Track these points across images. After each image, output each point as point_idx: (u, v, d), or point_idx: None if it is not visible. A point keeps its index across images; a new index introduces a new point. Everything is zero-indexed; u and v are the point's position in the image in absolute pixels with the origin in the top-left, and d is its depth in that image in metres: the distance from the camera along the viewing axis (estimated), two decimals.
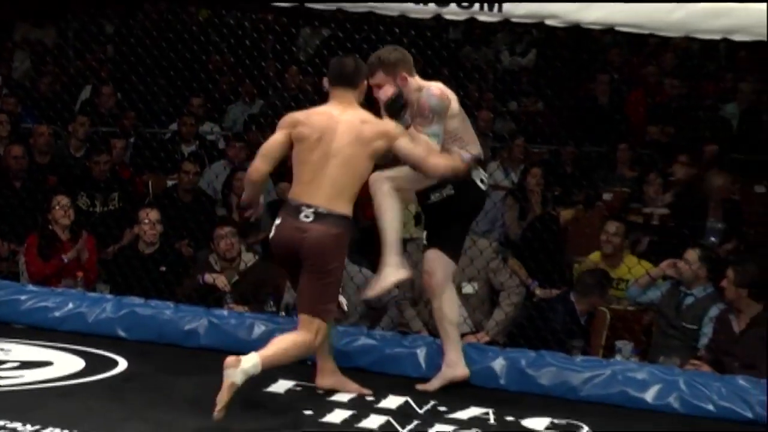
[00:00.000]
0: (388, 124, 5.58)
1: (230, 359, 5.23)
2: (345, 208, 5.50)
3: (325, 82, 5.76)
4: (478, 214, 6.33)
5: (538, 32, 12.63)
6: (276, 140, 5.64)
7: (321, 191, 5.47)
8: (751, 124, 11.19)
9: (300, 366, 5.98)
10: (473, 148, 6.05)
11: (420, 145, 5.64)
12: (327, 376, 5.94)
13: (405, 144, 5.57)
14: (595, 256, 8.05)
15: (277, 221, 5.60)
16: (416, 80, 5.88)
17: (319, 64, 11.40)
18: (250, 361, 5.25)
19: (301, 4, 6.61)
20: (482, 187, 6.11)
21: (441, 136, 5.82)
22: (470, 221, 6.23)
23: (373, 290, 5.95)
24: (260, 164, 5.69)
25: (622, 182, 10.38)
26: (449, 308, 6.06)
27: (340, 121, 5.53)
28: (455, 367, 6.09)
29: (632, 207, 9.61)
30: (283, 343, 5.45)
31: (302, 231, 5.45)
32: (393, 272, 5.87)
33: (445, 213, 5.98)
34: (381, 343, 6.52)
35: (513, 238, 9.18)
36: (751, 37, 5.93)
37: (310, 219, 5.44)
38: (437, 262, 5.99)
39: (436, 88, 5.88)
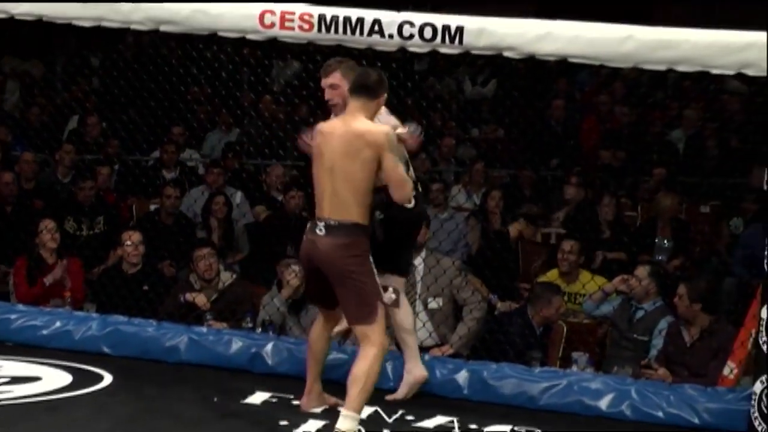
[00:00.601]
0: (379, 135, 5.35)
1: None
2: (355, 216, 5.35)
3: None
4: (419, 230, 6.25)
5: (496, 65, 12.67)
6: (312, 147, 5.58)
7: (329, 205, 5.38)
8: (696, 149, 11.27)
9: (275, 379, 5.97)
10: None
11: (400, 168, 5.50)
12: (313, 399, 5.83)
13: (391, 160, 5.37)
14: (552, 273, 8.06)
15: (304, 238, 5.52)
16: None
17: (291, 95, 11.45)
18: (345, 424, 5.17)
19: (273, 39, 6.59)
20: (409, 206, 5.89)
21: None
22: (410, 238, 6.07)
23: (398, 394, 6.00)
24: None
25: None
26: (402, 318, 6.03)
27: (336, 136, 5.40)
28: (414, 370, 6.08)
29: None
30: (354, 378, 5.27)
31: (315, 245, 5.39)
32: (406, 385, 6.03)
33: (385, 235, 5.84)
34: (351, 357, 6.49)
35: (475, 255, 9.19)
36: (694, 68, 5.98)
37: (323, 233, 5.36)
38: (387, 282, 5.93)
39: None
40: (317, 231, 5.38)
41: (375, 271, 5.43)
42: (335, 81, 5.76)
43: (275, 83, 12.56)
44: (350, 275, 5.34)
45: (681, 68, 5.99)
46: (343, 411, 5.21)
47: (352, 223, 5.35)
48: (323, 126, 5.55)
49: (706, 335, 6.67)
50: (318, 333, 5.77)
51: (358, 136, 5.35)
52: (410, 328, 6.13)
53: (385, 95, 5.60)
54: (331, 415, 5.73)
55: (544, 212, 10.07)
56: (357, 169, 5.34)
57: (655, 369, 6.56)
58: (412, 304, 7.11)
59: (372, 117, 5.51)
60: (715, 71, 5.93)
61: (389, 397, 6.04)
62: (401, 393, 6.09)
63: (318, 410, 5.80)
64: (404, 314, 6.05)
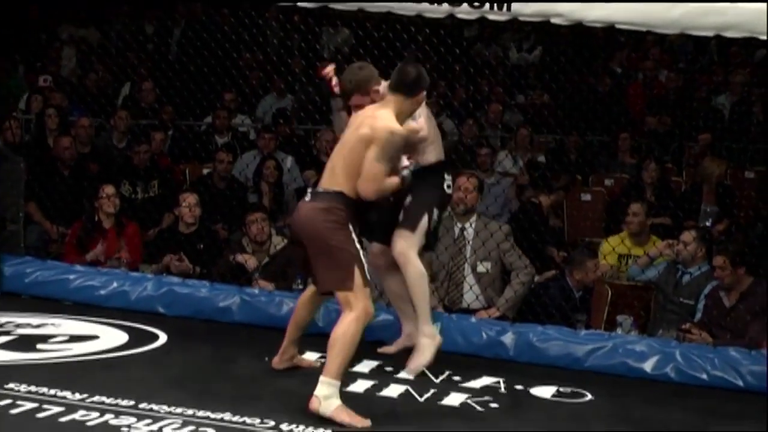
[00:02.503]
0: (381, 129, 5.25)
1: (313, 406, 5.00)
2: (340, 185, 5.25)
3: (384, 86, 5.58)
4: (442, 211, 6.16)
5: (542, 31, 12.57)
6: None
7: (325, 175, 5.36)
8: (742, 114, 11.14)
9: (324, 339, 5.99)
10: (435, 149, 5.95)
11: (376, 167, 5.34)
12: (285, 360, 5.81)
13: (369, 156, 5.24)
14: (622, 235, 7.90)
15: None
16: (384, 87, 5.68)
17: (341, 61, 11.42)
18: (322, 390, 5.02)
19: (325, 5, 6.54)
20: (447, 191, 6.07)
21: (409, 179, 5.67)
22: (431, 211, 5.95)
23: (412, 366, 5.85)
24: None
25: (622, 169, 10.35)
26: (393, 285, 6.02)
27: (357, 118, 5.42)
28: (413, 335, 5.98)
29: None
30: (333, 343, 5.10)
31: (298, 210, 5.35)
32: (429, 344, 5.83)
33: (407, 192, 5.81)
34: (398, 318, 6.51)
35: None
36: (742, 34, 5.89)
37: (308, 199, 5.32)
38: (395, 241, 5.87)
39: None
40: (305, 198, 5.35)
41: (354, 238, 5.25)
42: (357, 102, 5.67)
43: (325, 50, 12.53)
44: (325, 239, 5.18)
45: (728, 34, 5.90)
46: (321, 377, 5.07)
47: (335, 191, 5.25)
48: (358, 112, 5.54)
49: (746, 298, 6.63)
50: (305, 300, 5.74)
51: (369, 117, 5.33)
52: (403, 295, 5.98)
53: (424, 93, 5.51)
54: (377, 375, 5.77)
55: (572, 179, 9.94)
56: (359, 147, 5.25)
57: (693, 332, 6.52)
58: (461, 268, 7.13)
59: (406, 113, 5.44)
60: (762, 37, 5.84)
61: (381, 349, 6.10)
62: (392, 349, 6.13)
63: (359, 365, 5.85)
64: (396, 282, 5.97)
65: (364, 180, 5.23)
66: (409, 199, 5.84)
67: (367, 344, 6.12)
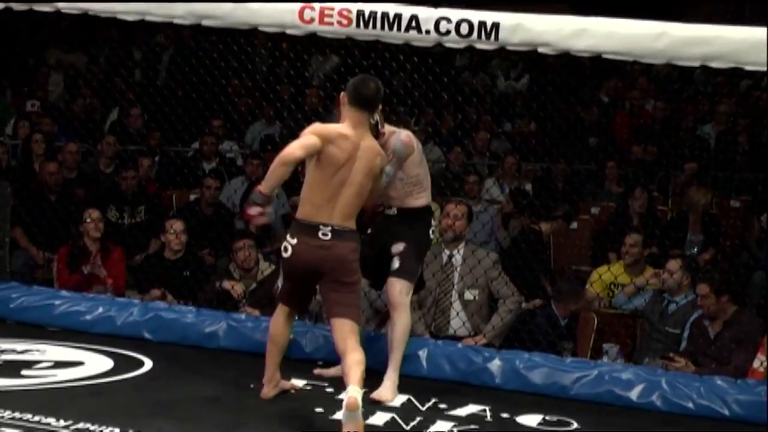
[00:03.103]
0: (384, 160, 5.61)
1: (351, 403, 5.03)
2: (353, 223, 5.50)
3: (342, 97, 5.58)
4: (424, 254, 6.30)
5: (529, 60, 12.61)
6: (314, 142, 5.40)
7: (335, 212, 5.40)
8: (728, 144, 11.19)
9: (311, 365, 5.98)
10: (426, 195, 6.10)
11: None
12: (273, 388, 5.80)
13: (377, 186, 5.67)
14: (617, 267, 7.96)
15: (292, 241, 5.44)
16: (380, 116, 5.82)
17: (329, 88, 11.44)
18: (358, 392, 5.10)
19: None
20: (431, 237, 6.22)
21: (391, 178, 5.86)
22: (424, 257, 6.23)
23: (375, 395, 5.84)
24: (299, 152, 5.38)
25: (609, 197, 10.38)
26: (401, 333, 6.00)
27: (360, 149, 5.44)
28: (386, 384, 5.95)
29: None
30: (355, 363, 5.26)
31: (325, 248, 5.38)
32: (389, 392, 5.86)
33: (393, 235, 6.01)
34: (387, 346, 6.50)
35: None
36: (727, 65, 5.93)
37: (329, 237, 5.38)
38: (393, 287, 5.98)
39: (406, 135, 5.89)
40: (321, 236, 5.39)
41: None
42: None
43: (314, 77, 12.56)
44: (352, 278, 5.48)
45: (714, 65, 5.94)
46: (353, 387, 5.11)
47: (353, 231, 5.50)
48: (330, 131, 5.49)
49: (730, 326, 6.66)
50: (282, 327, 5.75)
51: (377, 155, 5.52)
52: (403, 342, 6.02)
53: (380, 106, 5.66)
54: (364, 403, 5.74)
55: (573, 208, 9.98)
56: (369, 187, 5.51)
57: (677, 360, 6.53)
58: (448, 294, 7.14)
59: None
60: (748, 68, 5.88)
61: (318, 371, 6.12)
62: (330, 372, 6.10)
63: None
64: (404, 328, 6.00)
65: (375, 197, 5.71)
66: (402, 246, 5.95)
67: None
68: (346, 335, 5.42)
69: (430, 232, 6.17)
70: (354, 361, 5.28)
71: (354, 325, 5.45)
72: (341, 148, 5.42)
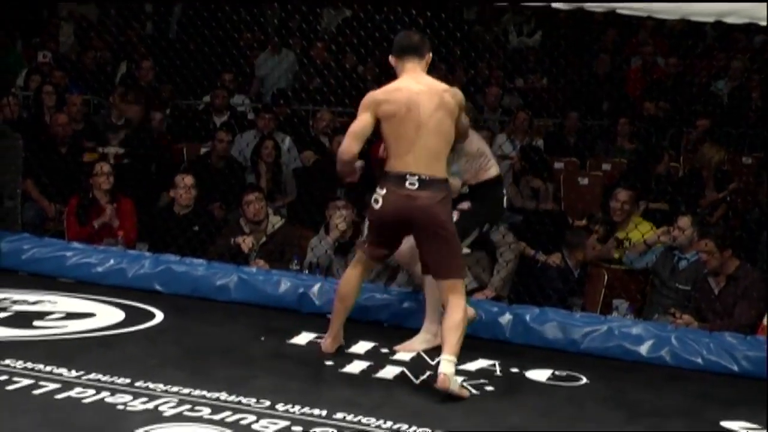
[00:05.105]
0: (460, 92, 5.56)
1: (444, 384, 5.14)
2: (443, 172, 5.45)
3: (391, 59, 5.60)
4: (493, 224, 6.44)
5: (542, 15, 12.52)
6: (364, 121, 5.48)
7: (420, 160, 5.38)
8: (740, 100, 11.12)
9: (321, 319, 5.99)
10: (494, 164, 6.26)
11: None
12: (337, 343, 5.85)
13: (465, 121, 5.66)
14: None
15: (382, 192, 5.44)
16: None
17: (341, 42, 11.39)
18: (449, 368, 5.19)
19: None
20: (502, 206, 6.37)
21: (459, 169, 6.05)
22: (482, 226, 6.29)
23: (402, 347, 5.93)
24: (351, 145, 5.47)
25: (621, 154, 10.34)
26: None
27: (421, 92, 5.43)
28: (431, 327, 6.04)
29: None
30: (452, 326, 5.30)
31: (412, 198, 5.36)
32: (425, 342, 5.94)
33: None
34: (397, 299, 6.52)
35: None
36: (742, 20, 5.87)
37: (416, 186, 5.36)
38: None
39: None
40: (408, 185, 5.37)
41: None
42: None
43: (326, 31, 12.50)
44: (446, 230, 5.41)
45: (729, 20, 5.89)
46: (446, 356, 5.23)
47: (443, 178, 5.44)
48: (378, 93, 5.53)
49: (734, 281, 6.66)
50: (354, 286, 5.74)
51: (446, 91, 5.49)
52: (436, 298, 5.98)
53: (430, 55, 5.62)
54: (373, 356, 5.77)
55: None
56: (450, 122, 5.46)
57: (678, 316, 6.54)
58: None
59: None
60: (762, 23, 5.82)
61: (398, 347, 6.00)
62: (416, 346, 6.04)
63: (355, 346, 5.93)
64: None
65: (463, 137, 5.73)
66: (457, 213, 5.94)
67: (363, 325, 6.16)
68: (445, 295, 5.42)
69: (503, 201, 6.31)
70: (448, 326, 5.31)
71: (453, 283, 5.40)
72: (395, 101, 5.44)
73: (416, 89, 5.44)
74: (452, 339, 5.27)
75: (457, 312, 5.34)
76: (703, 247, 6.66)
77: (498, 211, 6.33)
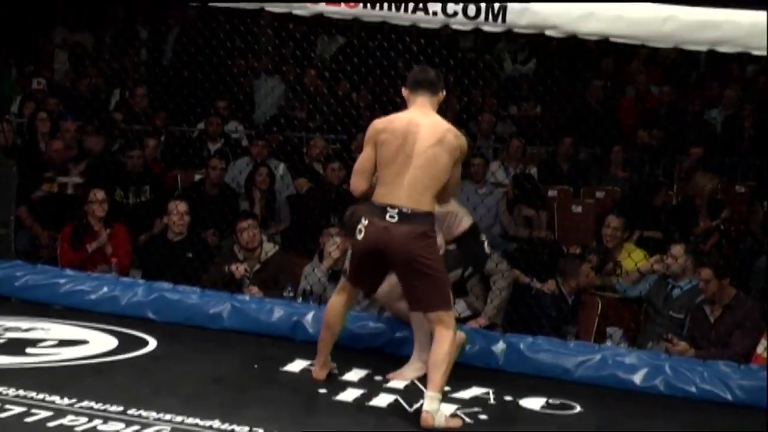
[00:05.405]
0: (464, 140, 5.45)
1: (428, 422, 5.13)
2: (429, 205, 5.33)
3: (404, 91, 5.52)
4: (476, 269, 6.57)
5: (536, 43, 12.57)
6: (366, 155, 5.44)
7: (404, 192, 5.28)
8: (734, 129, 11.16)
9: (314, 347, 5.98)
10: (465, 217, 6.30)
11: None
12: (325, 370, 5.84)
13: (458, 170, 5.49)
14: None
15: (364, 222, 5.36)
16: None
17: (335, 69, 11.41)
18: (433, 404, 5.17)
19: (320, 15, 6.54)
20: (486, 250, 6.40)
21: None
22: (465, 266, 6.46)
23: (393, 375, 5.91)
24: (358, 183, 5.47)
25: (615, 182, 10.36)
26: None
27: (421, 125, 5.35)
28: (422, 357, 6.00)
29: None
30: (437, 362, 5.25)
31: (388, 231, 5.27)
32: (416, 370, 5.90)
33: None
34: (389, 327, 6.51)
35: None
36: (735, 49, 5.90)
37: (395, 219, 5.26)
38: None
39: None
40: (388, 218, 5.27)
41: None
42: None
43: (320, 58, 12.53)
44: (426, 264, 5.29)
45: (722, 49, 5.91)
46: (429, 393, 5.19)
47: (426, 212, 5.32)
48: (379, 122, 5.47)
49: (730, 310, 6.66)
50: (338, 313, 5.70)
51: (450, 131, 5.38)
52: (424, 326, 5.93)
53: (444, 93, 5.55)
54: (367, 384, 5.76)
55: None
56: (446, 160, 5.33)
57: (674, 342, 6.54)
58: None
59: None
60: (755, 52, 5.85)
61: (390, 375, 5.97)
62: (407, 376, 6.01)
63: (349, 373, 5.91)
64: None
65: (449, 194, 5.53)
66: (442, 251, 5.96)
67: (357, 352, 6.16)
68: (432, 327, 5.37)
69: (483, 247, 6.38)
70: (433, 361, 5.26)
71: (438, 315, 5.31)
72: (393, 129, 5.37)
73: (417, 121, 5.36)
74: (436, 376, 5.20)
75: (443, 345, 5.27)
76: (701, 276, 6.67)
77: (481, 257, 6.41)
